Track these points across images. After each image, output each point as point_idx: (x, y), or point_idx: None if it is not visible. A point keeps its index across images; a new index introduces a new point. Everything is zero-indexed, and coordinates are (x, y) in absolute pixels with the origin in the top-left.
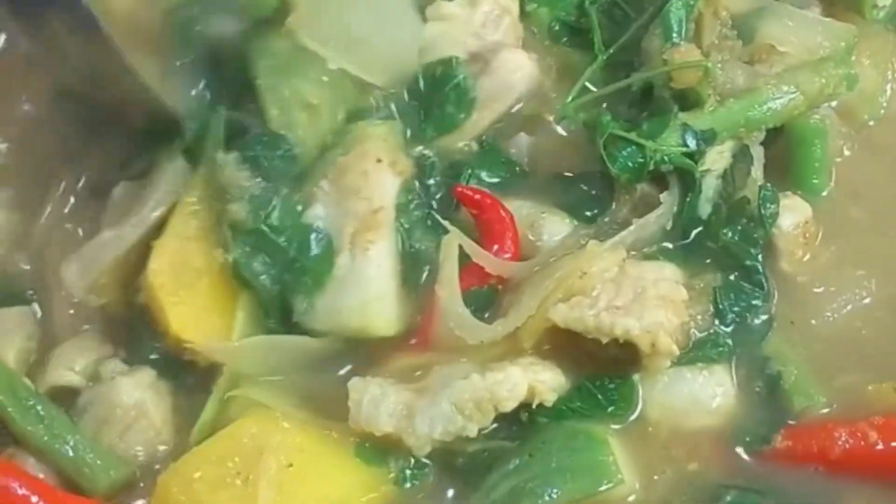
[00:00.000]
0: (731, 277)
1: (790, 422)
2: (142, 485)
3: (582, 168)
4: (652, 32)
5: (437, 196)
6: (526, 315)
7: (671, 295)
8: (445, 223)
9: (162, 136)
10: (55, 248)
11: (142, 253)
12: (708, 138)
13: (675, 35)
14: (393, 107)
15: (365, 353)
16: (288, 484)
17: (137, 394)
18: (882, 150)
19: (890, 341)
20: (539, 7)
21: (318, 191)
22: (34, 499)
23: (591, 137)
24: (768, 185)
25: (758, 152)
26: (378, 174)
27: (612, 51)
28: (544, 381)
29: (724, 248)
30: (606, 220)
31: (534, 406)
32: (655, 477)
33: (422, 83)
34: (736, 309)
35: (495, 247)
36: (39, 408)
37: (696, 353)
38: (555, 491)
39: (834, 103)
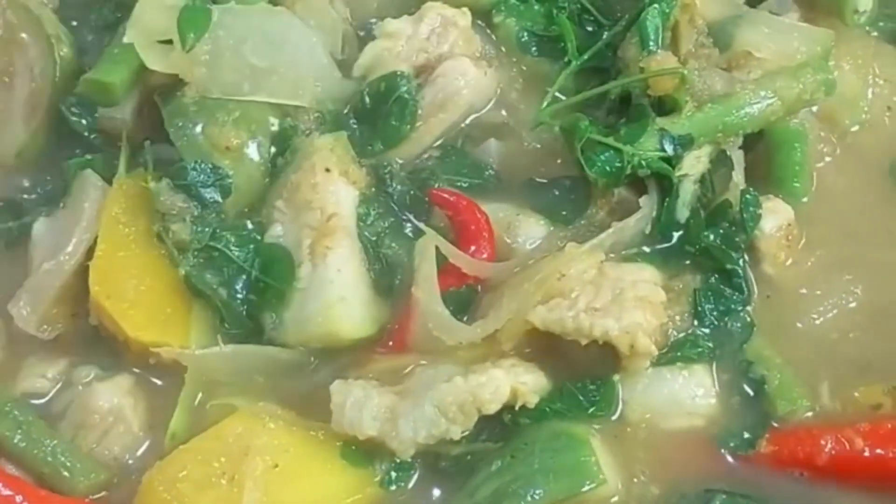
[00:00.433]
0: (712, 280)
1: (774, 425)
2: (120, 487)
3: (556, 173)
4: (629, 41)
5: (407, 202)
6: (505, 317)
7: (650, 296)
8: (420, 225)
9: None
10: None
11: (83, 278)
12: (685, 143)
13: (651, 43)
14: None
15: (342, 359)
16: (273, 484)
17: (115, 399)
18: (864, 155)
19: (873, 345)
20: (506, 18)
21: (275, 211)
22: (18, 498)
23: (567, 143)
24: (750, 189)
25: (738, 156)
26: (327, 184)
27: (586, 57)
28: (526, 382)
29: (704, 251)
30: (584, 223)
31: (517, 408)
32: (636, 479)
33: (367, 100)
34: (715, 312)
35: (472, 248)
36: (16, 412)
37: (675, 353)
38: (537, 492)
39: (815, 108)
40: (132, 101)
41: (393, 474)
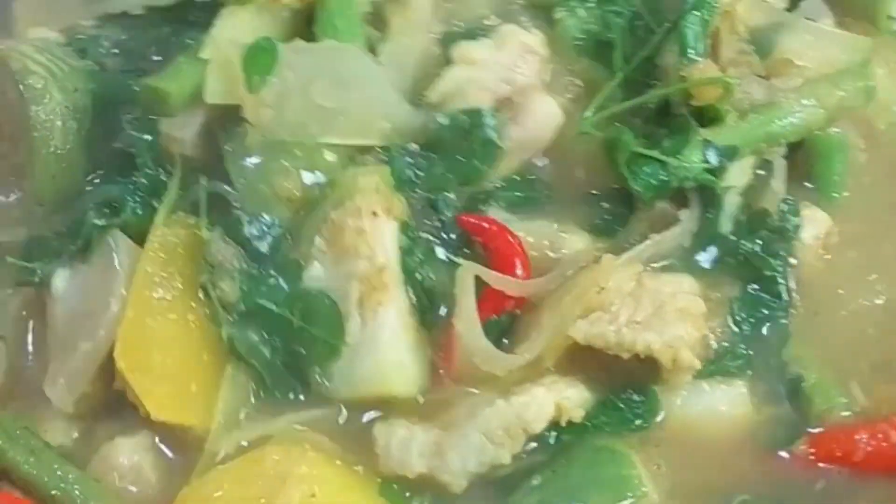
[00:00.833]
0: (750, 288)
1: (812, 429)
2: None
3: (601, 187)
4: (668, 49)
5: (451, 232)
6: (548, 337)
7: (690, 308)
8: (454, 258)
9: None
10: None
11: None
12: (730, 154)
13: (691, 51)
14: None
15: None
16: None
17: (136, 457)
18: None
19: None
20: (567, 17)
21: (314, 250)
22: None
23: (610, 156)
24: (789, 198)
25: (780, 165)
26: (375, 230)
27: (630, 67)
28: (569, 397)
29: (743, 260)
30: (625, 236)
31: (563, 424)
32: (677, 489)
33: (446, 133)
34: (753, 320)
35: (510, 270)
36: (29, 438)
37: (715, 365)
38: None
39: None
40: (196, 122)
41: None
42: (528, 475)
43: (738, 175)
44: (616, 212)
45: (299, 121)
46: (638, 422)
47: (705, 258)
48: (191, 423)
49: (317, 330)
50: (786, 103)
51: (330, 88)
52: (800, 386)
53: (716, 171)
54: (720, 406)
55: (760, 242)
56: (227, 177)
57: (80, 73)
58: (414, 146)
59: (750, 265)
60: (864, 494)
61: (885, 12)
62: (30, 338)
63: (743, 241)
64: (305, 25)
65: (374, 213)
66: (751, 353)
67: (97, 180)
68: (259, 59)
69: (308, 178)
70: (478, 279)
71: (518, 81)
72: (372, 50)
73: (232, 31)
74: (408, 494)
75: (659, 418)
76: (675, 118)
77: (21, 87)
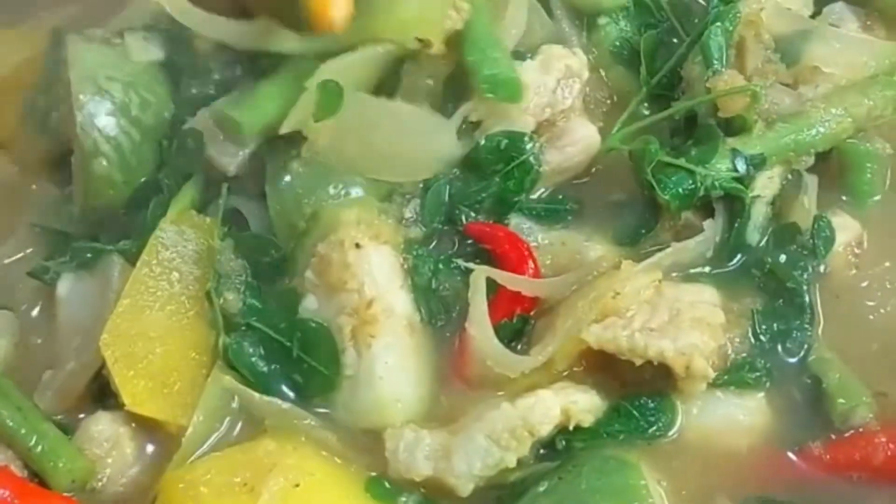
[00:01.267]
0: (775, 301)
1: (834, 434)
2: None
3: (629, 197)
4: (692, 60)
5: (465, 241)
6: (563, 339)
7: (708, 318)
8: (463, 263)
9: (104, 223)
10: None
11: None
12: (758, 163)
13: (715, 62)
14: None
15: None
16: (289, 502)
17: (114, 429)
18: None
19: None
20: (608, 24)
21: (306, 282)
22: (6, 494)
23: (637, 166)
24: (824, 216)
25: (812, 181)
26: (361, 261)
27: (655, 81)
28: (577, 401)
29: (768, 272)
30: (648, 245)
31: (571, 429)
32: (688, 500)
33: (482, 153)
34: (775, 333)
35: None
36: (19, 397)
37: (731, 376)
38: None
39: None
40: (244, 151)
41: None
42: (536, 482)
43: (766, 184)
44: (643, 223)
45: (353, 156)
46: (652, 430)
47: (730, 268)
48: (166, 418)
49: (315, 361)
50: (814, 112)
51: (390, 136)
52: (821, 388)
53: (744, 180)
54: (737, 416)
55: (786, 257)
56: (249, 193)
57: (148, 91)
58: (455, 171)
59: (774, 278)
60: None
61: None
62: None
63: (769, 254)
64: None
65: (358, 245)
66: (770, 365)
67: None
68: (327, 100)
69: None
70: (490, 284)
71: (560, 106)
72: None
73: (337, 69)
74: (393, 493)
75: (675, 427)
76: (702, 128)
77: (73, 93)
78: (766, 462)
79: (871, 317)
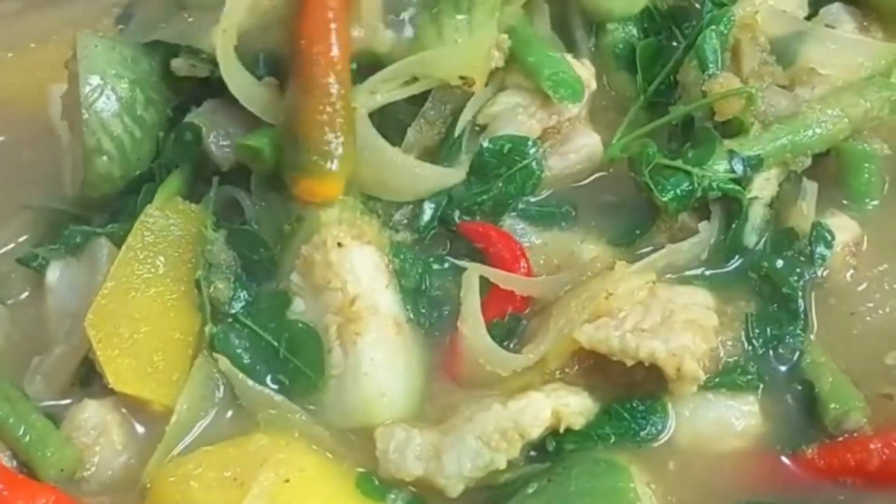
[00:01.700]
0: (769, 306)
1: (827, 438)
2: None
3: (622, 198)
4: (687, 65)
5: (457, 241)
6: (555, 338)
7: (700, 320)
8: (456, 262)
9: (96, 208)
10: None
11: None
12: (755, 165)
13: (710, 65)
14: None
15: None
16: (279, 498)
17: (100, 416)
18: None
19: None
20: (617, 30)
21: (292, 285)
22: None
23: (634, 169)
24: (824, 223)
25: (811, 187)
26: (343, 260)
27: (652, 88)
28: (569, 404)
29: (764, 276)
30: (644, 247)
31: (562, 431)
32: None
33: (485, 155)
34: (768, 337)
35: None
36: (7, 387)
37: (723, 378)
38: None
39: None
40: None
41: None
42: (526, 483)
43: (764, 186)
44: (638, 224)
45: (367, 180)
46: (643, 433)
47: (726, 271)
48: (149, 397)
49: (300, 362)
50: (810, 113)
51: (401, 179)
52: (814, 393)
53: (741, 182)
54: (729, 419)
55: (783, 262)
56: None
57: (153, 90)
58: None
59: (770, 282)
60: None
61: None
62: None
63: (766, 258)
64: None
65: (340, 244)
66: (762, 369)
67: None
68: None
69: None
70: (482, 284)
71: (567, 114)
72: None
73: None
74: (382, 491)
75: (666, 430)
76: (699, 130)
77: (80, 89)
78: (759, 466)
79: (869, 318)
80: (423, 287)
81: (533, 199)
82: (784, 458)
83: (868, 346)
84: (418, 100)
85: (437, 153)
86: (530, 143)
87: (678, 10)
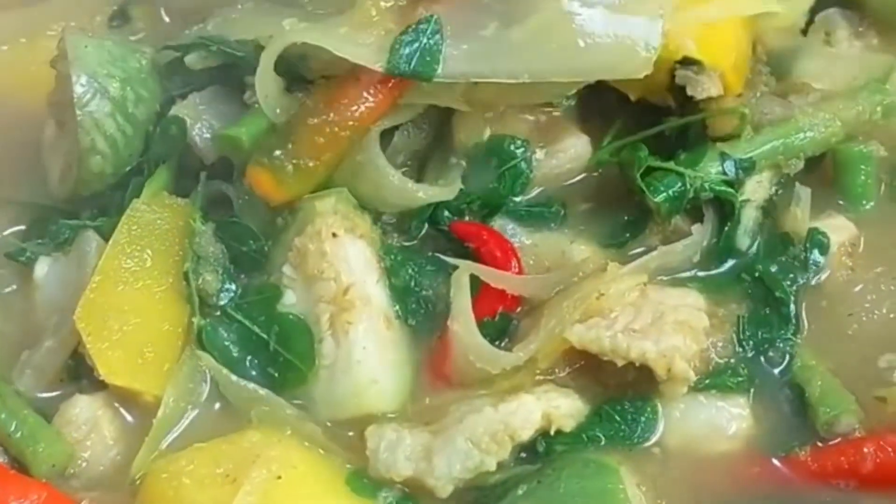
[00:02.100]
0: (761, 309)
1: (819, 441)
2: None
3: (614, 200)
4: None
5: (447, 240)
6: (546, 337)
7: (691, 321)
8: (449, 259)
9: (84, 203)
10: None
11: None
12: (747, 167)
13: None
14: None
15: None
16: (271, 494)
17: (91, 411)
18: None
19: None
20: None
21: (284, 278)
22: None
23: (626, 173)
24: (821, 230)
25: (805, 193)
26: (337, 251)
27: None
28: (559, 406)
29: (758, 280)
30: (637, 248)
31: (552, 433)
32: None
33: (477, 153)
34: (759, 340)
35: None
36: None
37: (714, 380)
38: None
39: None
40: None
41: None
42: (516, 484)
43: (756, 189)
44: (629, 226)
45: (364, 194)
46: (634, 434)
47: (719, 273)
48: (140, 388)
49: (291, 355)
50: (802, 118)
51: (391, 195)
52: (804, 397)
53: (733, 184)
54: (719, 421)
55: (777, 266)
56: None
57: (142, 87)
58: None
59: (763, 286)
60: None
61: None
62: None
63: (760, 262)
64: None
65: (334, 234)
66: (753, 372)
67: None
68: None
69: None
70: (473, 284)
71: (556, 113)
72: None
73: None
74: (372, 488)
75: (657, 432)
76: (691, 133)
77: (74, 90)
78: (750, 468)
79: (864, 319)
80: (413, 286)
81: (523, 199)
82: (776, 461)
83: (862, 349)
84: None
85: (427, 160)
86: (519, 143)
87: None
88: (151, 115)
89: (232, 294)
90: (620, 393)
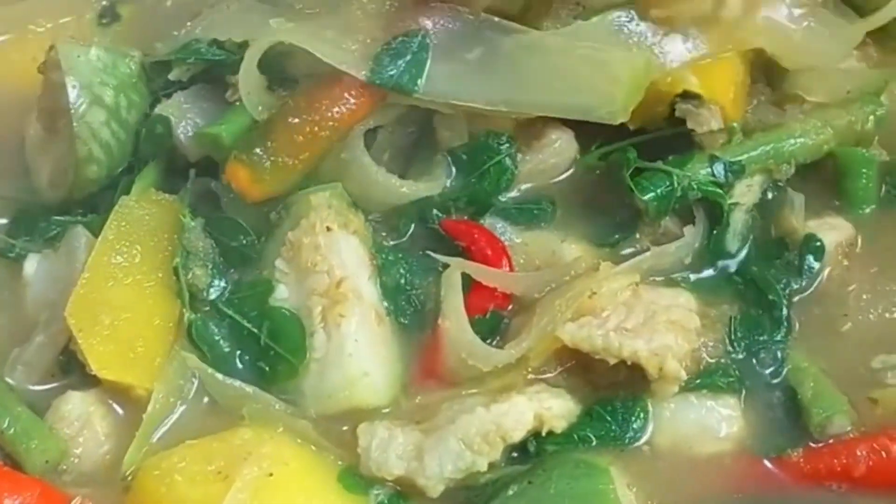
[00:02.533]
0: (753, 311)
1: (812, 442)
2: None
3: (604, 199)
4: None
5: (438, 239)
6: (538, 335)
7: (682, 321)
8: (440, 257)
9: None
10: None
11: None
12: (737, 171)
13: None
14: None
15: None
16: (264, 492)
17: (84, 407)
18: None
19: None
20: None
21: (276, 272)
22: None
23: (614, 174)
24: (817, 235)
25: (798, 199)
26: (331, 244)
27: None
28: (551, 407)
29: (750, 282)
30: (629, 249)
31: (543, 434)
32: None
33: (460, 153)
34: (751, 342)
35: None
36: None
37: (705, 380)
38: None
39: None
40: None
41: (386, 503)
42: (507, 485)
43: (745, 192)
44: (620, 226)
45: (353, 191)
46: (625, 435)
47: (711, 275)
48: (132, 382)
49: (282, 349)
50: (794, 124)
51: (377, 195)
52: (796, 398)
53: (722, 186)
54: (710, 422)
55: (771, 270)
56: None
57: (133, 92)
58: None
59: (755, 288)
60: None
61: None
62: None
63: (753, 264)
64: None
65: (328, 228)
66: (744, 373)
67: None
68: None
69: None
70: (465, 282)
71: None
72: None
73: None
74: (364, 485)
75: (648, 432)
76: (680, 136)
77: (71, 102)
78: (742, 469)
79: (859, 319)
80: (404, 284)
81: (512, 198)
82: (768, 463)
83: (856, 349)
84: None
85: (412, 158)
86: (503, 138)
87: None
88: (142, 118)
89: (222, 289)
90: (611, 393)
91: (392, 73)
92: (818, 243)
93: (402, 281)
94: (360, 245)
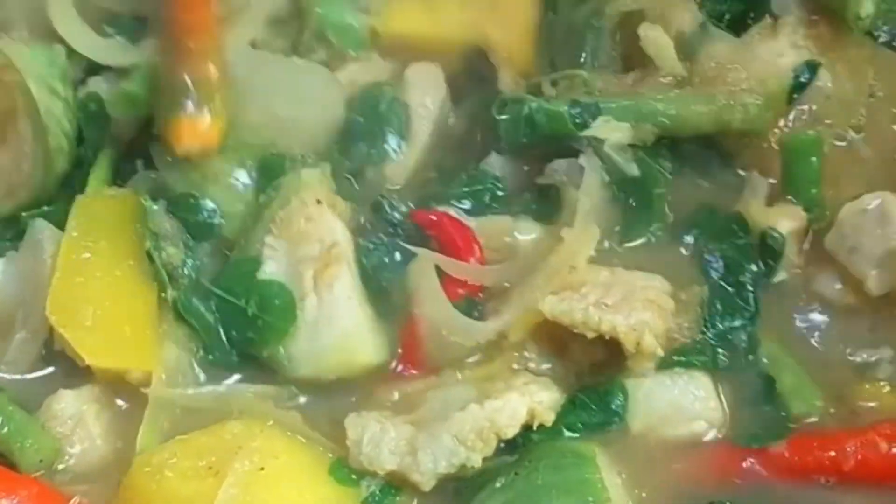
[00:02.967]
0: (722, 292)
1: (789, 430)
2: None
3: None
4: None
5: (405, 230)
6: (519, 309)
7: (658, 300)
8: (412, 248)
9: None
10: None
11: None
12: (594, 112)
13: None
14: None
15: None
16: (255, 486)
17: (77, 406)
18: (862, 160)
19: None
20: None
21: (265, 248)
22: None
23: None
24: (776, 229)
25: (761, 183)
26: (322, 215)
27: None
28: (542, 401)
29: (719, 263)
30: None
31: (534, 427)
32: (644, 494)
33: (360, 119)
34: (722, 322)
35: (467, 259)
36: None
37: (678, 358)
38: None
39: (813, 107)
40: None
41: (377, 494)
42: (494, 477)
43: (603, 127)
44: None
45: (253, 124)
46: (606, 417)
47: (679, 257)
48: (127, 366)
49: (271, 317)
50: (663, 89)
51: (289, 101)
52: (773, 390)
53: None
54: (683, 401)
55: (736, 246)
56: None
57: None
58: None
59: (726, 270)
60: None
61: (854, 11)
62: None
63: (714, 244)
64: None
65: (319, 201)
66: (716, 352)
67: None
68: None
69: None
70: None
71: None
72: None
73: None
74: (355, 477)
75: (627, 414)
76: None
77: (36, 101)
78: (728, 457)
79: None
80: (373, 275)
81: (455, 180)
82: (755, 453)
83: (835, 342)
84: None
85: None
86: (382, 86)
87: None
88: (78, 103)
89: (196, 267)
90: (592, 381)
91: None
92: (777, 235)
93: (373, 271)
94: (346, 229)
